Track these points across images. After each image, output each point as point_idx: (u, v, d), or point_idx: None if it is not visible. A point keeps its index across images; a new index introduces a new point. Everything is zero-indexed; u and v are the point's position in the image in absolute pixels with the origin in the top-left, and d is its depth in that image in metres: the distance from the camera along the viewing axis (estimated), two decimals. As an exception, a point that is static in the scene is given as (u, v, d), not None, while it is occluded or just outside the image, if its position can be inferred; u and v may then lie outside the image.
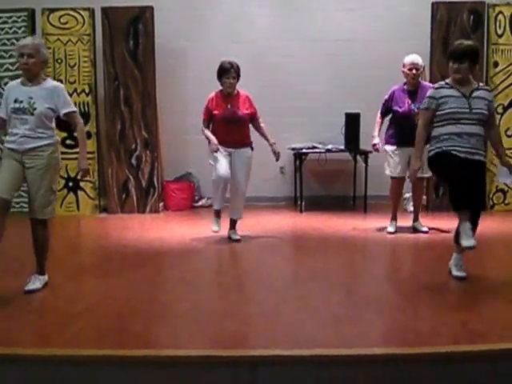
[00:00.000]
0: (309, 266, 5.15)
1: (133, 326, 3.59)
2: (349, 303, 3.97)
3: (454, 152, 4.28)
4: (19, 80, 4.33)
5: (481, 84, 4.52)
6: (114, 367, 3.16)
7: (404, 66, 6.02)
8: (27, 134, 4.16)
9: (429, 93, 4.52)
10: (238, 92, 5.87)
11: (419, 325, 3.53)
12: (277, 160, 6.01)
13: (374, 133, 6.29)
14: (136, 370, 3.13)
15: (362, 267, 5.09)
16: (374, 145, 6.31)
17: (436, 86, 4.57)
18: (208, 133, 5.80)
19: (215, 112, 5.77)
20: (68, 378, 3.14)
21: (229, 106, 5.78)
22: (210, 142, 5.75)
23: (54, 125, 4.32)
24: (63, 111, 4.28)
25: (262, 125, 5.98)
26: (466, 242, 4.19)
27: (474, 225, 4.38)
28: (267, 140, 5.99)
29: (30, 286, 4.27)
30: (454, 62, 4.35)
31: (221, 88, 5.84)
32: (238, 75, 5.78)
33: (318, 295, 4.13)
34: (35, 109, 4.15)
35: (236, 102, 5.82)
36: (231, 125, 5.75)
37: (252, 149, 5.97)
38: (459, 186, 4.24)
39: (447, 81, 4.48)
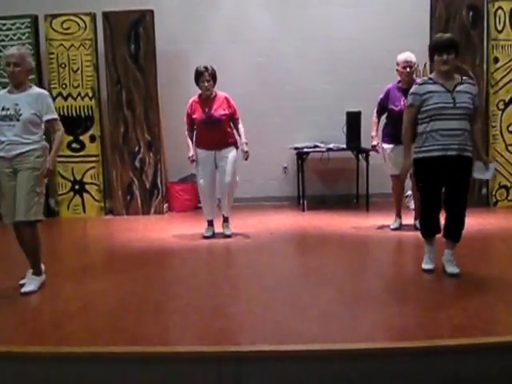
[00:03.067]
0: (304, 264, 5.22)
1: (125, 323, 3.67)
2: (337, 299, 4.00)
3: (432, 161, 4.31)
4: (6, 89, 4.47)
5: (464, 78, 4.46)
6: (104, 364, 3.23)
7: (398, 64, 6.02)
8: (13, 140, 4.28)
9: (412, 89, 4.49)
10: (215, 94, 5.97)
11: (405, 320, 3.56)
12: (245, 159, 6.02)
13: (372, 133, 6.29)
14: (124, 366, 3.21)
15: (357, 264, 5.10)
16: (374, 146, 6.32)
17: (419, 81, 4.56)
18: (189, 141, 6.03)
19: (194, 116, 5.94)
20: (61, 374, 3.22)
21: (206, 110, 5.90)
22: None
23: (41, 130, 4.42)
24: (45, 118, 4.39)
25: (239, 125, 6.05)
26: (425, 265, 4.55)
27: (458, 222, 4.38)
28: (240, 139, 6.07)
29: (26, 288, 4.36)
30: (441, 53, 4.29)
31: (200, 92, 5.97)
32: (214, 77, 5.90)
33: (308, 292, 4.17)
34: (21, 115, 4.28)
35: (213, 105, 5.92)
36: (210, 127, 5.89)
37: (236, 147, 6.06)
38: (427, 214, 4.49)
39: (431, 76, 4.48)
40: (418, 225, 6.17)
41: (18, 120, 4.27)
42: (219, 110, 5.90)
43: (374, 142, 6.29)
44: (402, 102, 5.87)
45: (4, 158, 4.31)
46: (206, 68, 5.85)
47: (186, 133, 6.04)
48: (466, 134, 4.30)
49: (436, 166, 4.33)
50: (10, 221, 4.37)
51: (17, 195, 4.30)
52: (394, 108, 5.98)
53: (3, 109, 4.30)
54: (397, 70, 6.03)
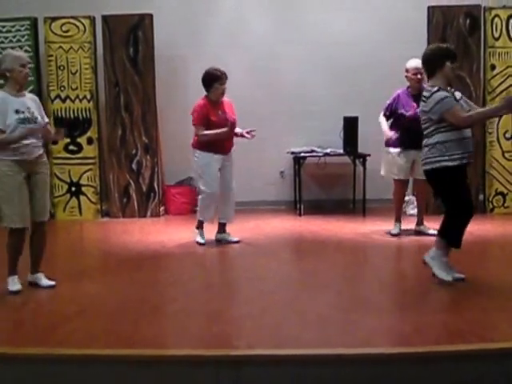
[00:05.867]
0: (301, 268, 5.24)
1: (122, 326, 3.67)
2: (335, 304, 4.02)
3: (457, 168, 4.34)
4: (4, 92, 4.41)
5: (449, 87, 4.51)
6: (101, 366, 3.24)
7: (408, 71, 6.02)
8: (34, 143, 4.37)
9: (440, 95, 4.33)
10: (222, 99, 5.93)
11: (403, 325, 3.58)
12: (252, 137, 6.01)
13: (385, 128, 6.16)
14: (122, 369, 3.21)
15: (354, 269, 5.13)
16: (390, 137, 6.13)
17: (435, 89, 4.39)
18: (211, 132, 5.76)
19: (213, 118, 5.79)
20: (58, 376, 3.22)
21: (220, 113, 5.83)
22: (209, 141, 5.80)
23: None
24: (45, 120, 4.55)
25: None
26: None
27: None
28: (241, 135, 5.99)
29: (51, 282, 4.55)
30: (454, 61, 4.41)
31: (205, 95, 5.88)
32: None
33: (306, 297, 4.19)
34: (36, 118, 4.38)
35: (224, 108, 5.88)
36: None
37: None
38: (462, 224, 4.39)
39: (438, 87, 4.40)
40: (423, 230, 6.17)
41: (35, 123, 4.34)
42: (231, 115, 5.85)
43: (390, 133, 6.11)
44: (413, 108, 5.81)
45: (25, 160, 4.33)
46: (221, 72, 5.76)
47: (206, 132, 5.77)
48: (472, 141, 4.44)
49: (460, 173, 4.38)
50: (25, 224, 4.40)
51: (40, 197, 4.46)
52: (405, 113, 5.96)
53: (18, 112, 4.30)
54: (406, 76, 6.04)
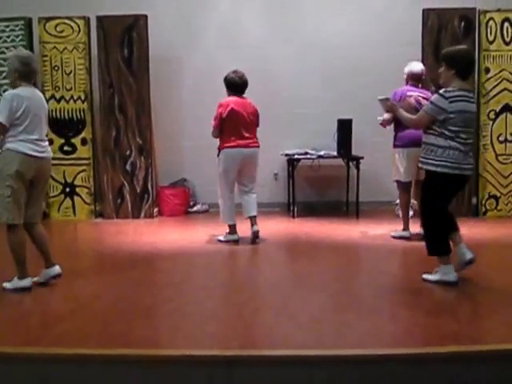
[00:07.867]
0: (294, 270, 5.23)
1: (117, 326, 3.67)
2: (328, 306, 4.02)
3: None
4: None
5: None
6: (94, 366, 3.23)
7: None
8: None
9: None
10: None
11: (395, 327, 3.58)
12: None
13: None
14: (115, 369, 3.21)
15: (347, 271, 5.13)
16: None
17: None
18: None
19: None
20: (52, 375, 3.22)
21: None
22: None
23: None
24: None
25: None
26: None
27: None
28: None
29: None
30: None
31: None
32: None
33: (299, 298, 4.19)
34: None
35: None
36: None
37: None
38: None
39: None
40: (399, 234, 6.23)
41: None
42: None
43: None
44: None
45: None
46: None
47: None
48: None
49: None
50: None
51: None
52: None
53: None
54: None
